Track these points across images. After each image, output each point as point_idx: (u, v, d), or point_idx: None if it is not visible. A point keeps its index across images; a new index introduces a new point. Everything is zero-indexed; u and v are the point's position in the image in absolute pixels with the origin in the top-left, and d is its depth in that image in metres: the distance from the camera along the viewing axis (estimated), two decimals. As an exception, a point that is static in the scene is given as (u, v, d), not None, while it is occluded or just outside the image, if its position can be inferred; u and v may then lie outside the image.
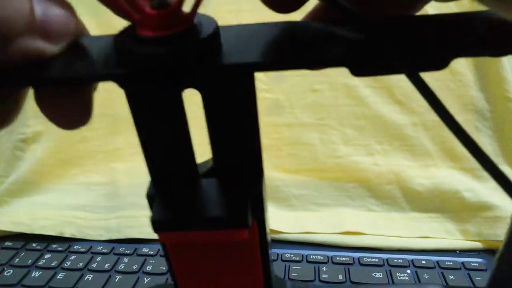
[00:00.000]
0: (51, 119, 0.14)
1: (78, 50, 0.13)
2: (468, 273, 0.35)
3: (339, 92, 0.46)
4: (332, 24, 0.14)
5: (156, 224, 0.14)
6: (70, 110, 0.14)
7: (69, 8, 0.13)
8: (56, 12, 0.13)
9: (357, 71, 0.13)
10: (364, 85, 0.46)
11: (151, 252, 0.39)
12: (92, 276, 0.36)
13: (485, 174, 0.45)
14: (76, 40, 0.14)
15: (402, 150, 0.46)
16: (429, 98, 0.12)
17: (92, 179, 0.49)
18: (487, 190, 0.42)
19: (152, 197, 0.15)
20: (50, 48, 0.12)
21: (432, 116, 0.45)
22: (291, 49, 0.13)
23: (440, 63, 0.12)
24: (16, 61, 0.12)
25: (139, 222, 0.42)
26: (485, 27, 0.13)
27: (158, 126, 0.14)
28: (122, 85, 0.13)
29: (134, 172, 0.48)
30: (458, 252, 0.38)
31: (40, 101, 0.14)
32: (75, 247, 0.40)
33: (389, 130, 0.46)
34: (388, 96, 0.46)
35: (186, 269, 0.17)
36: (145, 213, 0.43)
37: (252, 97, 0.13)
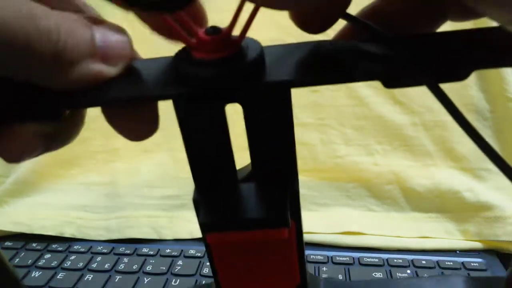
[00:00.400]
0: (122, 134, 0.17)
1: (133, 72, 0.15)
2: (468, 273, 0.35)
3: (339, 92, 0.46)
4: (359, 42, 0.15)
5: (204, 226, 0.16)
6: (137, 125, 0.16)
7: (124, 34, 0.15)
8: (114, 37, 0.14)
9: (389, 84, 0.14)
10: (364, 85, 0.46)
11: (151, 252, 0.39)
12: (92, 276, 0.36)
13: (485, 174, 0.45)
14: (131, 63, 0.15)
15: (402, 150, 0.46)
16: (449, 107, 0.14)
17: (92, 179, 0.49)
18: (487, 190, 0.42)
19: (198, 202, 0.16)
20: (109, 70, 0.14)
21: (432, 116, 0.45)
22: (327, 65, 0.15)
23: (461, 74, 0.14)
24: (80, 83, 0.14)
25: (139, 222, 0.42)
26: (499, 40, 0.14)
27: (203, 137, 0.16)
28: (177, 103, 0.15)
29: (134, 172, 0.48)
30: (458, 252, 0.38)
31: (110, 120, 0.16)
32: (75, 247, 0.40)
33: (389, 130, 0.46)
34: (388, 96, 0.46)
35: (228, 269, 0.18)
36: (145, 213, 0.43)
37: (289, 109, 0.16)
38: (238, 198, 0.16)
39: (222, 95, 0.14)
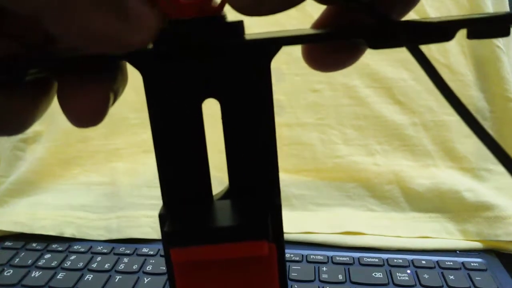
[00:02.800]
0: (67, 110, 0.14)
1: None
2: (468, 273, 0.35)
3: (339, 92, 0.46)
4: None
5: (168, 237, 0.13)
6: (87, 104, 0.14)
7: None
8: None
9: (373, 44, 0.14)
10: (364, 85, 0.46)
11: (151, 252, 0.39)
12: (92, 276, 0.36)
13: (485, 174, 0.45)
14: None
15: (402, 150, 0.46)
16: (429, 71, 0.13)
17: (92, 179, 0.49)
18: (487, 190, 0.42)
19: (164, 216, 0.14)
20: (134, 36, 0.11)
21: (432, 116, 0.45)
22: (310, 30, 0.14)
23: (445, 33, 0.13)
24: (97, 37, 0.11)
25: (139, 222, 0.42)
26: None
27: (176, 138, 0.14)
28: (148, 76, 0.14)
29: (134, 172, 0.48)
30: (458, 252, 0.38)
31: (62, 90, 0.14)
32: (75, 247, 0.40)
33: (389, 130, 0.46)
34: (388, 96, 0.46)
35: None
36: (145, 213, 0.43)
37: (269, 98, 0.14)
38: (211, 211, 0.14)
39: (201, 53, 0.13)
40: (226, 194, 0.15)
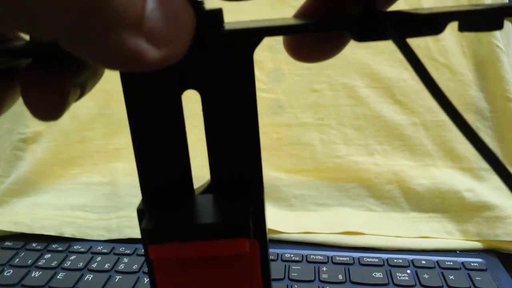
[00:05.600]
0: (26, 103, 0.13)
1: None
2: (468, 273, 0.35)
3: (339, 92, 0.46)
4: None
5: (145, 234, 0.13)
6: (45, 97, 0.13)
7: (189, 6, 0.10)
8: (175, 9, 0.10)
9: (359, 36, 0.13)
10: (364, 85, 0.46)
11: (151, 252, 0.39)
12: (92, 276, 0.36)
13: (485, 174, 0.45)
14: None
15: (402, 150, 0.46)
16: (415, 65, 0.12)
17: (92, 179, 0.49)
18: (487, 190, 0.42)
19: (142, 212, 0.14)
20: (155, 54, 0.10)
21: (432, 116, 0.45)
22: (294, 20, 0.13)
23: (435, 26, 0.13)
24: (111, 57, 0.10)
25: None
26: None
27: (155, 129, 0.14)
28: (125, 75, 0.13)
29: (134, 172, 0.47)
30: (458, 252, 0.38)
31: (22, 82, 0.13)
32: (75, 247, 0.40)
33: (389, 130, 0.46)
34: (388, 96, 0.46)
35: None
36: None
37: (251, 91, 0.13)
38: (191, 207, 0.14)
39: (176, 67, 0.12)
40: (208, 188, 0.15)
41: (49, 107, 0.13)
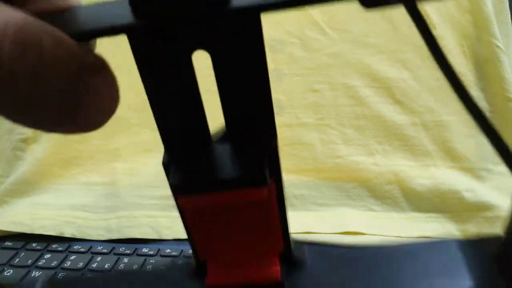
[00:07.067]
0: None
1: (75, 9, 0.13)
2: (468, 273, 0.35)
3: (339, 92, 0.46)
4: None
5: (175, 188, 0.15)
6: None
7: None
8: (99, 102, 0.12)
9: (366, 2, 0.13)
10: (364, 85, 0.46)
11: (151, 252, 0.39)
12: (92, 276, 0.36)
13: (485, 174, 0.45)
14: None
15: (402, 150, 0.46)
16: (424, 33, 0.12)
17: (92, 179, 0.49)
18: (487, 190, 0.42)
19: (167, 164, 0.15)
20: (67, 131, 0.12)
21: (432, 116, 0.45)
22: None
23: None
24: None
25: (139, 222, 0.42)
26: None
27: (168, 89, 0.14)
28: (135, 40, 0.13)
29: (134, 172, 0.48)
30: (458, 252, 0.38)
31: None
32: (75, 247, 0.40)
33: (389, 130, 0.46)
34: (388, 96, 0.46)
35: (204, 235, 0.17)
36: (145, 213, 0.43)
37: (260, 47, 0.14)
38: (211, 159, 0.15)
39: (188, 25, 0.13)
40: (224, 137, 0.16)
41: None
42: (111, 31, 0.12)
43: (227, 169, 0.15)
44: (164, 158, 0.16)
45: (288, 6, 0.13)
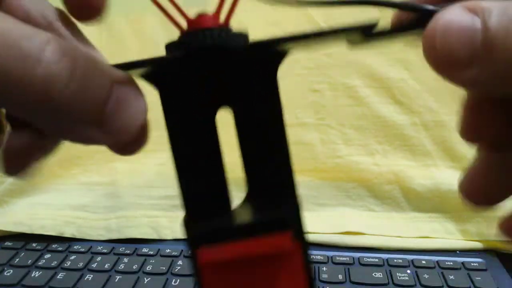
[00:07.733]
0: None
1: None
2: (468, 273, 0.35)
3: (339, 92, 0.46)
4: None
5: (195, 239, 0.14)
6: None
7: (143, 99, 0.13)
8: (131, 107, 0.12)
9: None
10: (364, 85, 0.46)
11: (151, 252, 0.39)
12: (92, 276, 0.36)
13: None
14: None
15: (402, 150, 0.46)
16: None
17: (92, 179, 0.49)
18: (487, 190, 0.42)
19: (187, 221, 0.15)
20: (106, 140, 0.13)
21: (432, 116, 0.45)
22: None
23: None
24: (74, 139, 0.13)
25: (139, 222, 0.42)
26: None
27: (193, 146, 0.15)
28: (162, 84, 0.14)
29: (134, 172, 0.48)
30: (458, 252, 0.38)
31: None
32: (75, 247, 0.40)
33: (389, 130, 0.46)
34: (388, 96, 0.46)
35: None
36: (145, 213, 0.43)
37: (278, 104, 0.15)
38: (232, 214, 0.15)
39: (215, 62, 0.14)
40: (244, 202, 0.16)
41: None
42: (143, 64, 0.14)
43: (247, 217, 0.15)
44: (184, 217, 0.16)
45: (304, 40, 0.14)
